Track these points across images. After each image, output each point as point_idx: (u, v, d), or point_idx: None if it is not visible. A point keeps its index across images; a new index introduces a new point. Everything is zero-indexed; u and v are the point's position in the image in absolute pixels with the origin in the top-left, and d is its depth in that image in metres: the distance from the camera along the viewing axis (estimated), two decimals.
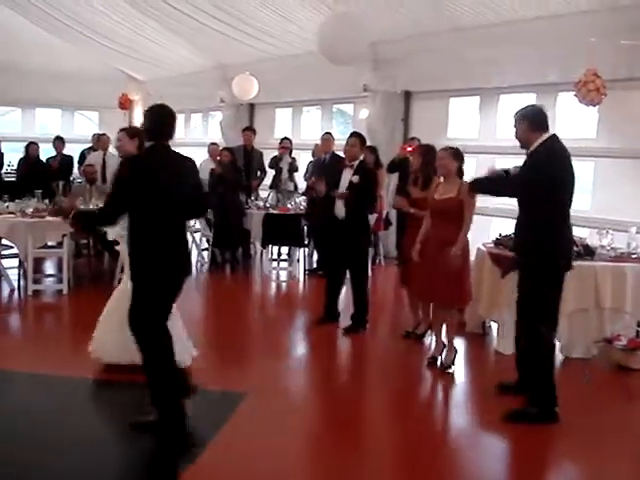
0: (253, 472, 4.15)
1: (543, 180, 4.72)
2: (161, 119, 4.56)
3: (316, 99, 13.13)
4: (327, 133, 10.18)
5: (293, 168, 11.15)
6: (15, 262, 9.16)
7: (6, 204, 9.09)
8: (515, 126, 4.99)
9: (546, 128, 4.88)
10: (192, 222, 11.12)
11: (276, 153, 11.25)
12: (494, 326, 7.08)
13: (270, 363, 6.28)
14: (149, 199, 4.40)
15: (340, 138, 9.78)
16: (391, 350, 6.83)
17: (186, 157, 4.76)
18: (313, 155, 10.93)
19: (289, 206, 10.12)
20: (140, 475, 4.22)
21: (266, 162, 11.35)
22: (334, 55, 8.21)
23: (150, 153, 4.61)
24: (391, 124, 11.17)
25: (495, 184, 5.20)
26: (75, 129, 17.15)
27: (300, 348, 7.10)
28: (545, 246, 4.83)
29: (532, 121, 4.89)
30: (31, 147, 12.45)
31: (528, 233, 4.97)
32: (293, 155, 11.40)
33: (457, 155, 6.06)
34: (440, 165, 6.10)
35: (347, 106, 13.62)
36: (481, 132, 10.38)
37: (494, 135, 10.11)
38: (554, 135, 4.88)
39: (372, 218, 9.86)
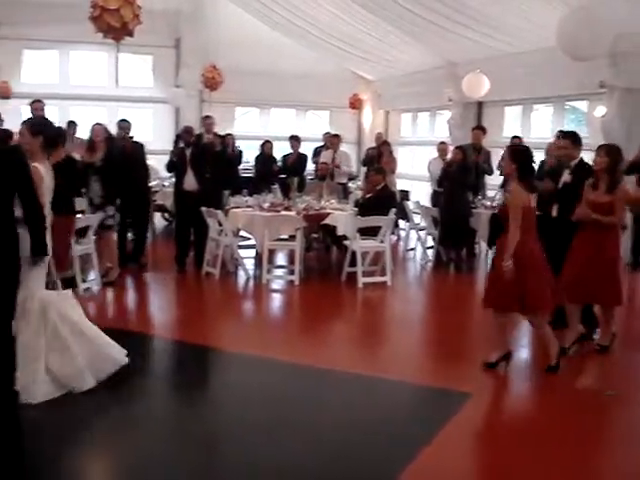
0: (472, 473, 4.13)
1: None
2: None
3: (548, 96, 12.70)
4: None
5: None
6: (251, 252, 9.83)
7: (245, 198, 9.75)
8: None
9: None
10: (417, 220, 11.26)
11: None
12: None
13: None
14: None
15: None
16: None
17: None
18: (546, 154, 10.57)
19: None
20: None
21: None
22: (575, 51, 7.92)
23: None
24: (629, 123, 10.52)
25: None
26: (307, 128, 17.88)
27: (523, 351, 6.90)
28: None
29: None
30: (266, 145, 13.27)
31: None
32: None
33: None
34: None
35: (580, 103, 13.04)
36: None
37: None
38: None
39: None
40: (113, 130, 9.32)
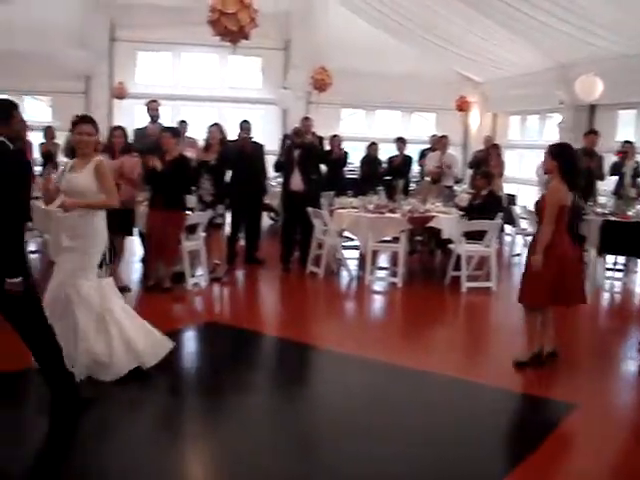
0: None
1: None
2: None
3: None
4: None
5: (637, 174, 10.51)
6: (355, 253, 9.90)
7: (350, 200, 9.82)
8: None
9: None
10: (524, 225, 11.04)
11: (616, 159, 10.73)
12: None
13: (601, 376, 6.02)
14: None
15: None
16: None
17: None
18: None
19: (630, 213, 9.54)
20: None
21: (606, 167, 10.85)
22: None
23: None
24: None
25: None
26: (413, 130, 17.80)
27: (632, 365, 6.66)
28: None
29: None
30: (371, 147, 13.31)
31: None
32: (637, 160, 10.76)
33: None
34: None
35: None
36: None
37: None
38: None
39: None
40: (228, 131, 9.55)
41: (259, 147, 9.91)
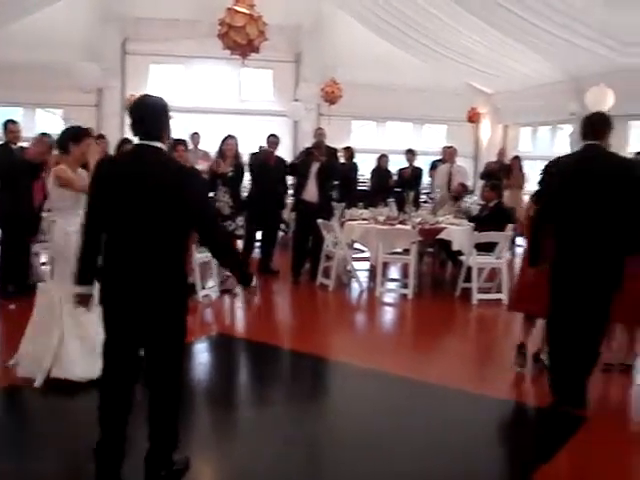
0: None
1: None
2: (133, 112, 3.87)
3: None
4: None
5: None
6: (365, 265, 9.89)
7: (360, 211, 9.82)
8: None
9: None
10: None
11: None
12: None
13: (614, 388, 5.99)
14: (106, 209, 3.74)
15: None
16: None
17: (180, 166, 4.00)
18: None
19: None
20: None
21: None
22: None
23: (124, 155, 4.31)
24: None
25: None
26: (424, 142, 17.81)
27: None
28: None
29: None
30: (382, 159, 13.34)
31: None
32: None
33: None
34: None
35: None
36: None
37: None
38: None
39: None
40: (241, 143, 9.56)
41: (282, 161, 10.03)
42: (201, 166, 9.01)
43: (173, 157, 4.39)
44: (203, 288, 8.43)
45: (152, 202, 3.62)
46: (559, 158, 5.28)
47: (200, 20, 13.48)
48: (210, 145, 10.64)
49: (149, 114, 3.82)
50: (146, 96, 3.96)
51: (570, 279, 4.98)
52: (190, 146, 10.75)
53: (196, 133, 12.49)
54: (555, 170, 5.14)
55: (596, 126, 5.04)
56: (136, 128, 3.79)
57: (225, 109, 16.23)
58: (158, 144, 3.75)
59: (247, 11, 8.19)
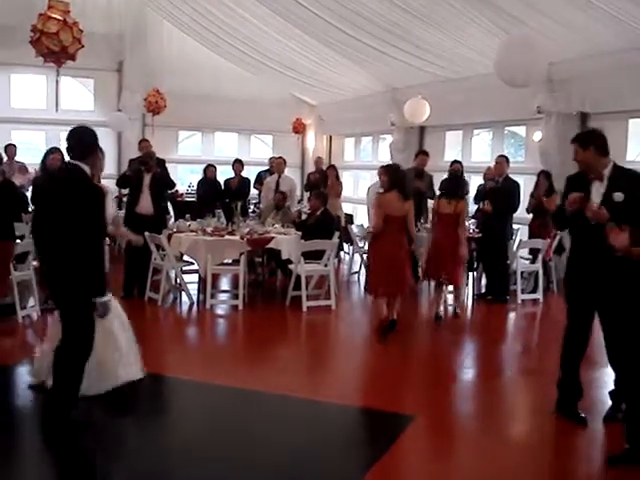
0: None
1: None
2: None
3: (487, 121, 12.98)
4: (501, 156, 10.04)
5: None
6: (195, 277, 9.74)
7: (188, 223, 9.67)
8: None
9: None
10: (362, 244, 11.31)
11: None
12: None
13: (437, 389, 6.27)
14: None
15: (513, 161, 9.58)
16: None
17: (76, 180, 4.66)
18: (484, 178, 10.79)
19: None
20: None
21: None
22: (512, 79, 8.08)
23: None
24: (566, 147, 10.78)
25: None
26: (251, 152, 17.90)
27: (468, 372, 6.98)
28: None
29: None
30: (209, 169, 13.21)
31: None
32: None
33: None
34: None
35: (519, 128, 13.37)
36: None
37: None
38: None
39: (544, 244, 9.64)
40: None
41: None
42: (18, 180, 8.53)
43: None
44: (23, 308, 7.96)
45: None
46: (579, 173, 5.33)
47: (14, 26, 12.78)
48: (28, 158, 10.09)
49: None
50: None
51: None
52: (5, 159, 10.14)
53: (11, 145, 11.84)
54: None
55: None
56: None
57: (42, 119, 15.43)
58: None
59: (60, 17, 7.85)
